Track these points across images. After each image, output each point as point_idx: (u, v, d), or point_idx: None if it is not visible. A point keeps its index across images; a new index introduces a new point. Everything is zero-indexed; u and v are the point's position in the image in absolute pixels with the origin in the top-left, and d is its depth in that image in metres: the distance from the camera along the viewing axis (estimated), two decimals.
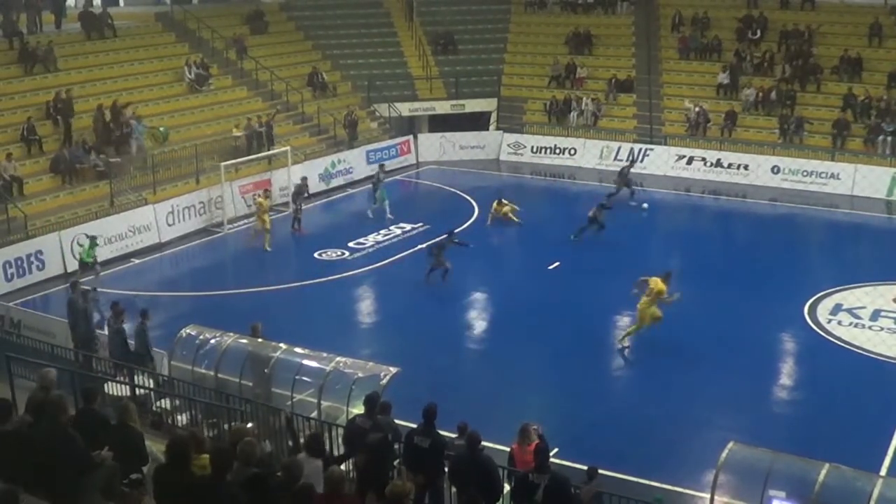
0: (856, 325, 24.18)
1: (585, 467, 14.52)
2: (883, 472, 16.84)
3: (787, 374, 22.10)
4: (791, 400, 20.65)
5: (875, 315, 24.74)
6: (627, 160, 38.51)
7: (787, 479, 13.68)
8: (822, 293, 26.10)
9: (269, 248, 30.44)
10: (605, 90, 44.55)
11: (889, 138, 38.02)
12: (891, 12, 43.24)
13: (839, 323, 24.31)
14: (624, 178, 35.72)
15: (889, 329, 23.85)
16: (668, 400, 20.25)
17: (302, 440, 13.57)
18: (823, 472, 12.95)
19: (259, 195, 32.55)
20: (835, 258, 31.08)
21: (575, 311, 25.19)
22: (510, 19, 50.14)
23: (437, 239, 28.05)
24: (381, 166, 35.80)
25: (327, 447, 13.51)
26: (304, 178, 33.76)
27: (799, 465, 13.96)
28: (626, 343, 22.88)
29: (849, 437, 18.05)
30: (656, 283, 22.31)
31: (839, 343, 23.22)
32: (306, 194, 33.55)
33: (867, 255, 30.35)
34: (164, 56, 39.85)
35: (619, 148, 41.29)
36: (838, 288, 26.53)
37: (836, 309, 25.14)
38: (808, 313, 24.88)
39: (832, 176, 37.58)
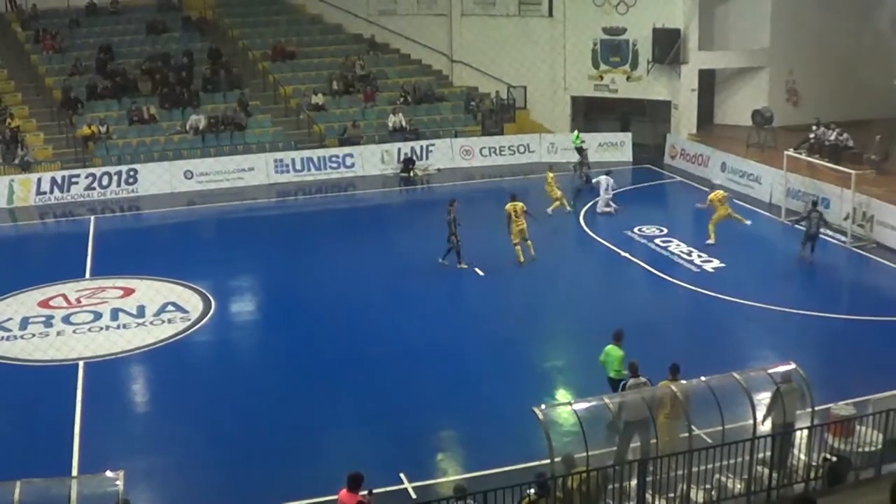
0: (7, 338, 24.03)
1: None
2: (75, 472, 17.17)
3: None
4: None
5: (24, 323, 24.87)
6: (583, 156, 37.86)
7: None
8: None
9: None
10: None
11: None
12: None
13: None
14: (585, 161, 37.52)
15: (41, 333, 24.19)
16: None
17: None
18: (17, 490, 12.84)
19: None
20: None
21: None
22: None
23: None
24: None
25: None
26: None
27: None
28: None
29: (35, 449, 17.96)
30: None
31: None
32: None
33: (1, 266, 30.04)
34: None
35: None
36: None
37: None
38: None
39: None
